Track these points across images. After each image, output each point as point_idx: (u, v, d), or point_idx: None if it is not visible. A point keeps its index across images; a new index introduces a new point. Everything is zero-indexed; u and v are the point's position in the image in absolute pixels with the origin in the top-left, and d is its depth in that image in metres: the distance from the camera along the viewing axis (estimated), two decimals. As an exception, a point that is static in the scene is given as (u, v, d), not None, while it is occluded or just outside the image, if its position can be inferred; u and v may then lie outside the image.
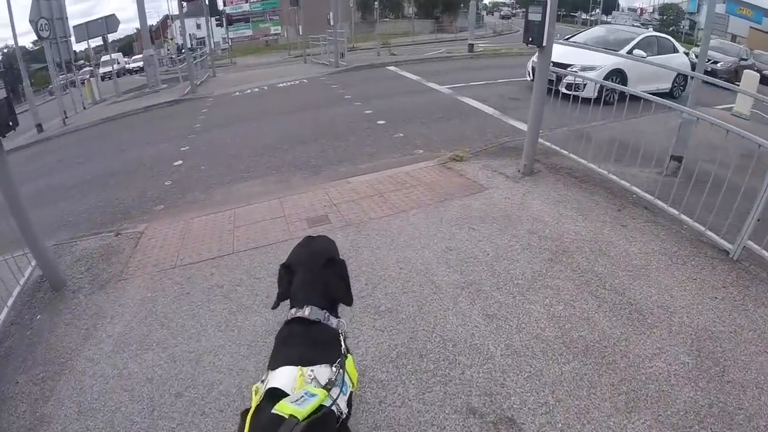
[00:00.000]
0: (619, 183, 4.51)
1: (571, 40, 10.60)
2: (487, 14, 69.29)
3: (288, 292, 1.51)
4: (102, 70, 39.76)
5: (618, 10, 61.76)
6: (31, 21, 13.77)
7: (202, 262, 3.86)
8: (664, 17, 56.37)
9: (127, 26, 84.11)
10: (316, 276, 1.48)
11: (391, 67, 15.06)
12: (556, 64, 6.25)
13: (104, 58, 44.71)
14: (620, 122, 5.52)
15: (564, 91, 6.22)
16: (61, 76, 17.41)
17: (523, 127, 5.98)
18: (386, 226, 4.15)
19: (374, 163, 6.29)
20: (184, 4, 17.80)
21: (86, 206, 6.12)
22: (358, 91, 11.46)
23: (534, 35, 4.73)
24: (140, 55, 29.29)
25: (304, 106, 10.39)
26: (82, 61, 57.15)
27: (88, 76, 33.25)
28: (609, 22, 44.53)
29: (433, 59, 16.66)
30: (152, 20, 64.67)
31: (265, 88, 14.14)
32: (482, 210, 4.34)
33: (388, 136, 7.49)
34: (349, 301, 1.55)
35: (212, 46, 23.58)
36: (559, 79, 6.12)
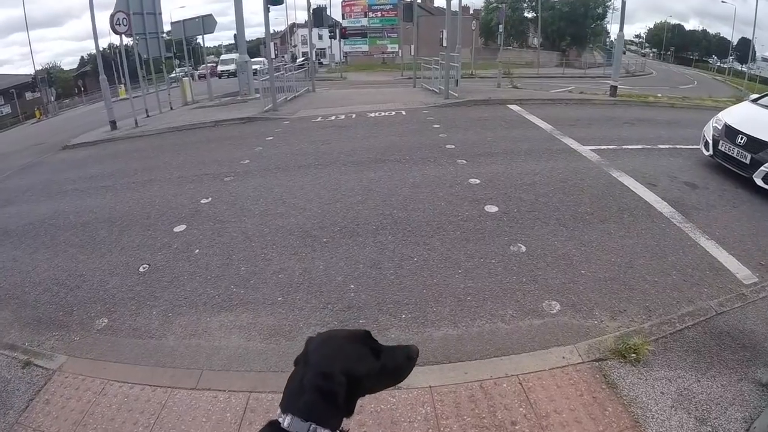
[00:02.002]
0: None
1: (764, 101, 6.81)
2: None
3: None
4: (221, 69, 40.95)
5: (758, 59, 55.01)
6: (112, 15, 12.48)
7: None
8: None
9: (257, 31, 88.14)
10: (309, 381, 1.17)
11: (514, 107, 11.68)
12: (752, 141, 5.50)
13: (224, 56, 46.34)
14: None
15: (761, 183, 5.26)
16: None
17: (725, 256, 4.16)
18: None
19: (458, 327, 3.36)
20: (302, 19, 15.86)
21: (40, 276, 4.67)
22: (466, 139, 8.27)
23: None
24: (260, 59, 28.53)
25: (384, 155, 7.45)
26: (212, 56, 60.65)
27: (201, 71, 34.24)
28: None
29: (567, 101, 12.94)
30: (280, 26, 66.74)
31: (353, 116, 11.44)
32: None
33: (501, 250, 4.34)
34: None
35: (314, 59, 21.69)
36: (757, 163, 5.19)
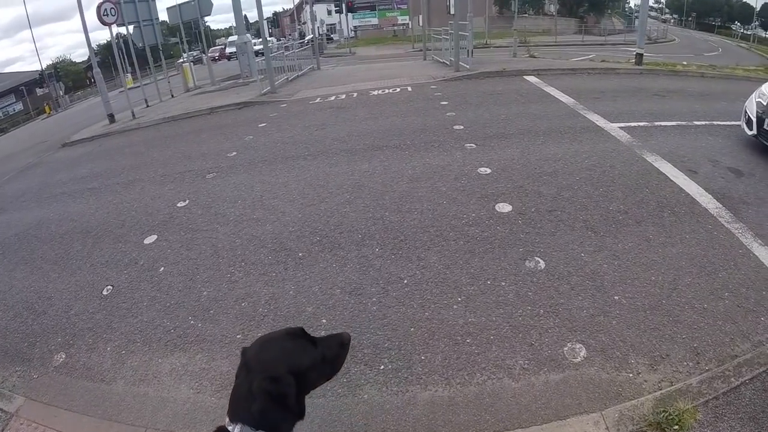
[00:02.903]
0: None
1: None
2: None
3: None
4: (229, 51, 40.27)
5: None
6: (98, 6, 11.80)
7: None
8: None
9: (267, 9, 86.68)
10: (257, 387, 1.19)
11: (531, 78, 10.64)
12: None
13: (231, 38, 45.50)
14: None
15: None
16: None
17: None
18: None
19: (451, 385, 2.63)
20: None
21: (14, 298, 4.33)
22: (477, 118, 7.38)
23: None
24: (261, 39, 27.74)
25: (382, 141, 6.64)
26: (223, 38, 59.93)
27: (211, 54, 33.70)
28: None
29: (590, 71, 11.76)
30: (288, 4, 65.37)
31: (354, 95, 10.58)
32: None
33: (513, 267, 3.52)
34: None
35: (321, 35, 20.76)
36: None
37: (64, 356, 3.39)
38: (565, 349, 2.73)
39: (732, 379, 2.40)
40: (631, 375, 2.52)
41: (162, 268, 4.16)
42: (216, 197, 5.46)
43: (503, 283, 3.31)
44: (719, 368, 2.50)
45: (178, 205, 5.47)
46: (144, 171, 7.23)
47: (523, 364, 2.66)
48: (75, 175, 8.03)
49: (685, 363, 2.56)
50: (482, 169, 5.20)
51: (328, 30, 48.95)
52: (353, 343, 2.86)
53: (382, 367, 2.73)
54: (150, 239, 4.77)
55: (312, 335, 1.27)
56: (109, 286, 4.11)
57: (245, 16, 17.02)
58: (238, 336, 3.12)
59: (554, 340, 2.79)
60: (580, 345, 2.73)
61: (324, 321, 3.12)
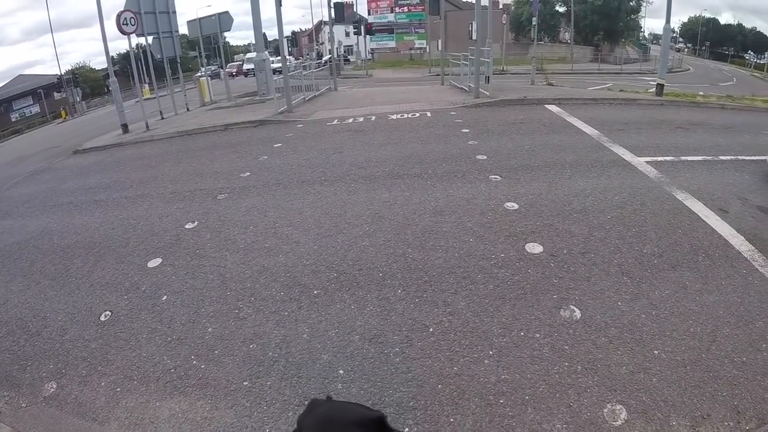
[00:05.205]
0: None
1: None
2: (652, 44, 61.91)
3: None
4: (246, 67, 40.69)
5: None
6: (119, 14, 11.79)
7: None
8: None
9: (287, 28, 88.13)
10: None
11: (552, 107, 10.42)
12: None
13: (249, 55, 46.03)
14: None
15: None
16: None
17: None
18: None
19: None
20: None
21: (9, 314, 4.12)
22: (500, 147, 7.12)
23: None
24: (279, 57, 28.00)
25: (403, 168, 6.40)
26: (241, 54, 60.71)
27: (229, 70, 34.05)
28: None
29: (611, 101, 11.50)
30: (307, 24, 66.38)
31: (372, 118, 10.38)
32: None
33: (548, 316, 3.24)
34: None
35: (339, 56, 20.77)
36: None
37: (55, 386, 3.16)
38: (605, 410, 2.46)
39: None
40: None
41: (165, 297, 3.89)
42: (226, 220, 5.21)
43: (537, 335, 3.00)
44: (761, 428, 2.32)
45: (186, 226, 5.23)
46: (153, 186, 7.04)
47: (560, 428, 2.37)
48: (83, 185, 7.89)
49: (726, 423, 2.34)
50: (509, 204, 4.92)
51: (345, 51, 49.40)
52: (374, 400, 2.56)
53: (406, 429, 2.41)
54: (154, 262, 4.52)
55: (394, 430, 0.92)
56: (107, 312, 3.86)
57: (264, 33, 17.07)
58: (245, 383, 2.82)
59: (593, 401, 2.51)
60: (621, 406, 2.47)
61: (341, 372, 2.81)
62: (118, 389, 3.02)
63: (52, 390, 3.11)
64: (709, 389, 2.54)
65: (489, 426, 2.42)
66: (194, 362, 3.09)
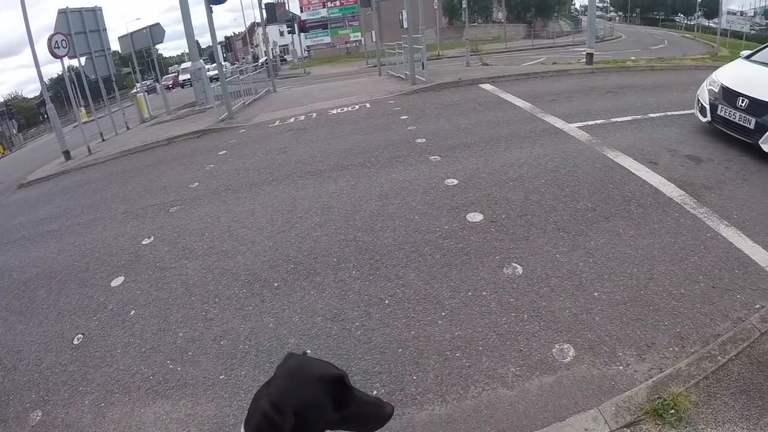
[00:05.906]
0: None
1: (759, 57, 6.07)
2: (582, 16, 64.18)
3: None
4: (182, 78, 39.65)
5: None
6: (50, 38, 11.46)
7: None
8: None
9: (219, 34, 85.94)
10: (262, 406, 1.11)
11: (487, 86, 10.91)
12: (755, 103, 4.94)
13: (184, 65, 44.86)
14: None
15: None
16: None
17: (749, 246, 3.50)
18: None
19: (447, 402, 2.59)
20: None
21: None
22: (438, 129, 7.48)
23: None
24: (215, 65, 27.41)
25: (347, 159, 6.66)
26: (176, 65, 58.88)
27: (165, 83, 33.10)
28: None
29: (543, 74, 12.11)
30: (240, 28, 64.95)
31: (313, 116, 10.57)
32: None
33: (492, 275, 3.57)
34: None
35: (275, 57, 20.67)
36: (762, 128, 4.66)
37: (41, 414, 3.19)
38: (554, 350, 2.77)
39: (718, 357, 2.50)
40: (621, 367, 2.58)
41: (132, 312, 4.00)
42: (182, 231, 5.32)
43: (484, 293, 3.33)
44: (704, 349, 2.60)
45: (143, 242, 5.30)
46: (104, 209, 6.98)
47: (515, 371, 2.68)
48: (34, 218, 7.71)
49: (671, 348, 2.65)
50: (449, 180, 5.26)
51: (281, 51, 48.87)
52: (343, 367, 2.83)
53: (374, 392, 2.67)
54: (117, 281, 4.60)
55: (352, 391, 1.09)
56: (79, 335, 3.91)
57: (197, 41, 16.74)
58: (221, 377, 3.02)
59: (542, 344, 2.83)
60: (568, 345, 2.78)
61: (309, 351, 3.06)
62: (102, 404, 3.12)
63: (38, 418, 3.16)
64: (651, 321, 2.87)
65: (449, 377, 2.72)
66: (170, 366, 3.26)
